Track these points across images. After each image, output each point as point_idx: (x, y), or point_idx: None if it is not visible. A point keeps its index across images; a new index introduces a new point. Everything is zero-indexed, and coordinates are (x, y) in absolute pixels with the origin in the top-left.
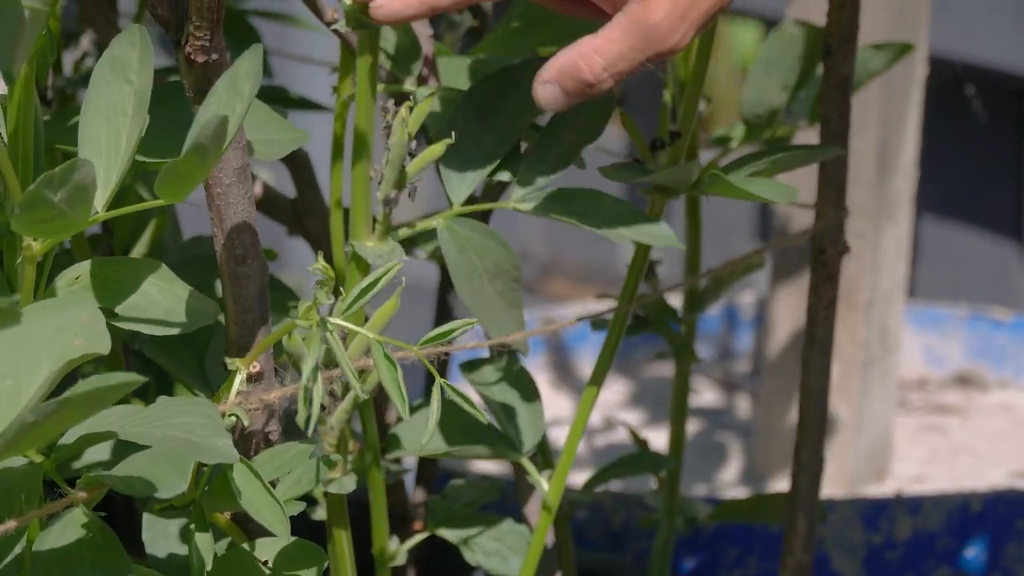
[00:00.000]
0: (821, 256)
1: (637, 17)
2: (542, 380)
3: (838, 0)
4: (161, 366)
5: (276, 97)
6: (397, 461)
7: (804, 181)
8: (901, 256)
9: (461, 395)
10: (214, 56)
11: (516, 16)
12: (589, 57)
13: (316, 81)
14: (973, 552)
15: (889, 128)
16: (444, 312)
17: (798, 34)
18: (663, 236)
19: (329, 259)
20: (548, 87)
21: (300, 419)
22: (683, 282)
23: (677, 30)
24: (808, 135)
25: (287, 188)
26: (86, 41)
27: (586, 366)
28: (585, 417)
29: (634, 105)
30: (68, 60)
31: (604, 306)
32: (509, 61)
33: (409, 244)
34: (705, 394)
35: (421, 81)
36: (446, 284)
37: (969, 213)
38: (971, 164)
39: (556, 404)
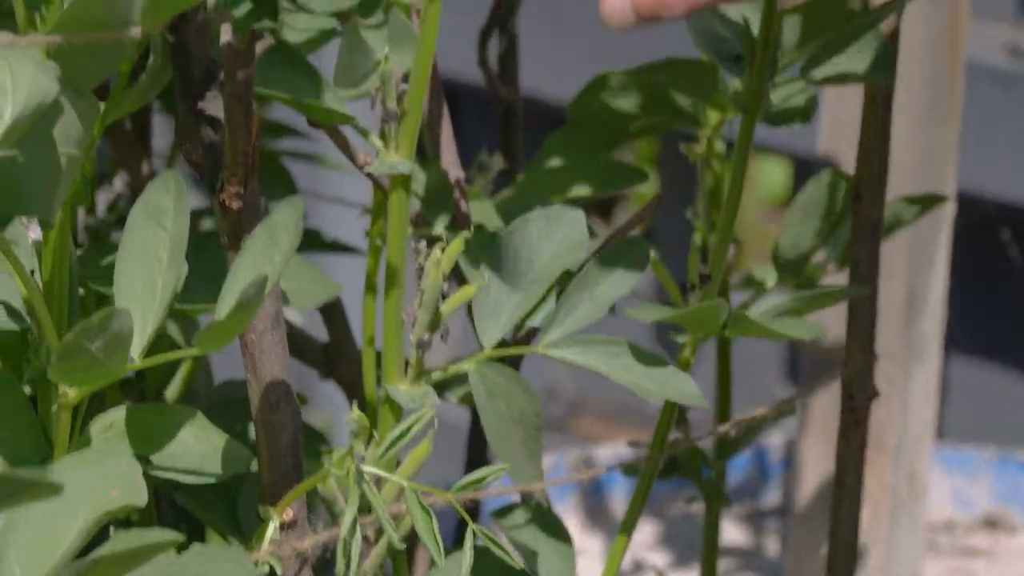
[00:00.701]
0: (850, 402)
1: None
2: (573, 522)
3: (868, 144)
4: (193, 513)
5: (309, 240)
6: None
7: (833, 321)
8: (929, 400)
9: (494, 541)
10: (249, 202)
11: (549, 156)
12: None
13: (348, 222)
14: None
15: (917, 271)
16: (475, 454)
17: (833, 182)
18: (690, 394)
19: (362, 404)
20: (617, 2)
21: (339, 572)
22: (714, 430)
23: None
24: (837, 278)
25: (314, 326)
26: (119, 182)
27: (617, 506)
28: (616, 566)
29: (664, 247)
30: (101, 200)
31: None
32: (539, 203)
33: (441, 387)
34: (732, 533)
35: (453, 224)
36: (476, 426)
37: (997, 353)
38: (997, 303)
39: (588, 545)
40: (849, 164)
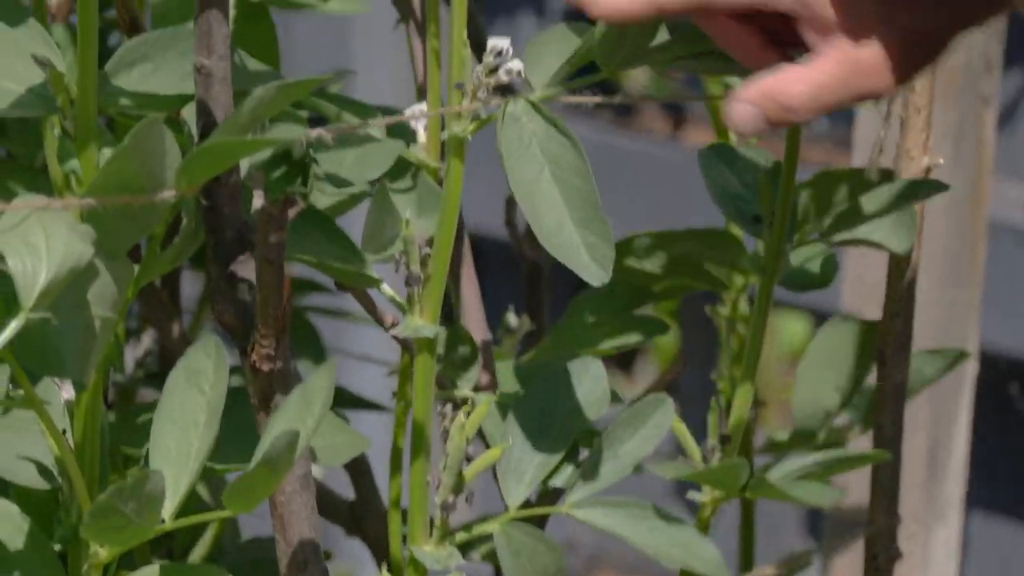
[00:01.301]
0: (874, 562)
1: (848, 53)
2: None
3: (892, 308)
4: None
5: (335, 397)
6: None
7: (855, 480)
8: (951, 557)
9: None
10: (279, 364)
11: (576, 316)
12: (794, 84)
13: (375, 378)
14: None
15: (940, 430)
16: None
17: (851, 331)
18: (712, 563)
19: (388, 564)
20: (746, 107)
21: None
22: None
23: (886, 75)
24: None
25: (335, 481)
26: (148, 339)
27: None
28: None
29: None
30: (129, 355)
31: None
32: (565, 364)
33: (465, 546)
34: None
35: (478, 386)
36: None
37: (1017, 510)
38: (1012, 459)
39: None
40: (870, 318)
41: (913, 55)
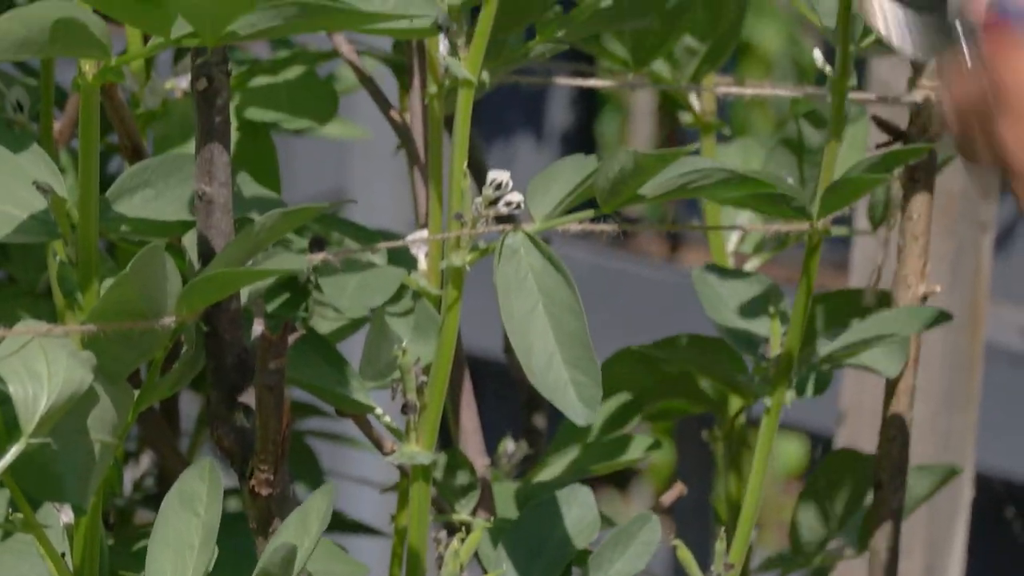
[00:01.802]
0: None
1: None
2: None
3: (888, 433)
4: None
5: (333, 521)
6: None
7: None
8: None
9: None
10: (278, 489)
11: (570, 438)
12: None
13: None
14: None
15: (935, 552)
16: None
17: (850, 461)
18: None
19: None
20: None
21: None
22: None
23: None
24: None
25: None
26: (146, 461)
27: None
28: None
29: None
30: (127, 477)
31: None
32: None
33: None
34: None
35: (475, 510)
36: None
37: None
38: None
39: None
40: (867, 442)
41: None
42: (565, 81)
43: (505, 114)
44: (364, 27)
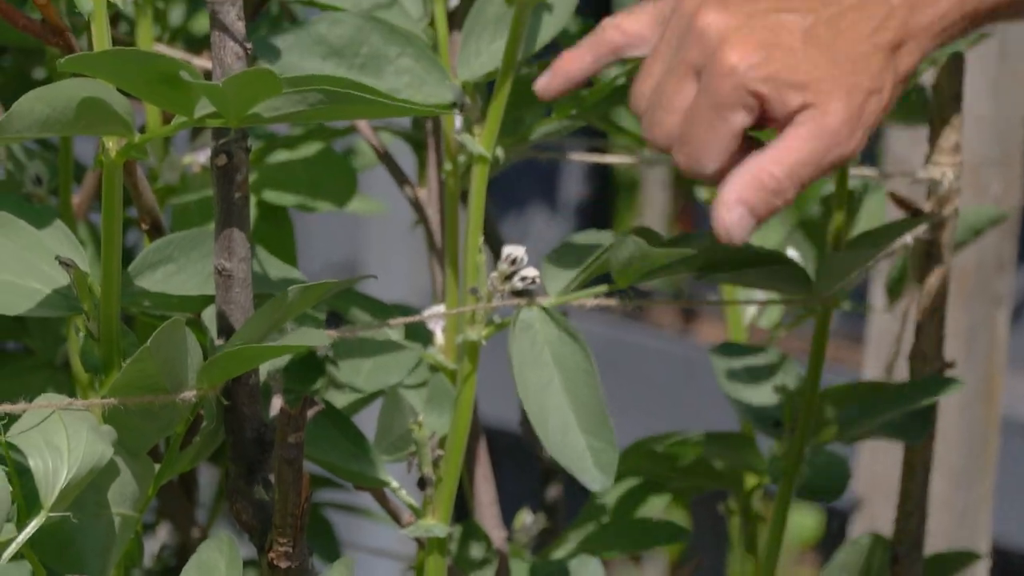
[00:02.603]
0: None
1: (815, 124)
2: None
3: (906, 507)
4: None
5: None
6: None
7: None
8: None
9: None
10: (296, 562)
11: (591, 515)
12: (768, 168)
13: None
14: None
15: None
16: None
17: (869, 544)
18: None
19: None
20: (734, 211)
21: None
22: None
23: (855, 133)
24: None
25: None
26: (164, 532)
27: None
28: None
29: None
30: (146, 550)
31: None
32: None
33: None
34: None
35: None
36: None
37: None
38: None
39: None
40: (883, 514)
41: (868, 106)
42: (580, 157)
43: (519, 186)
44: (387, 116)
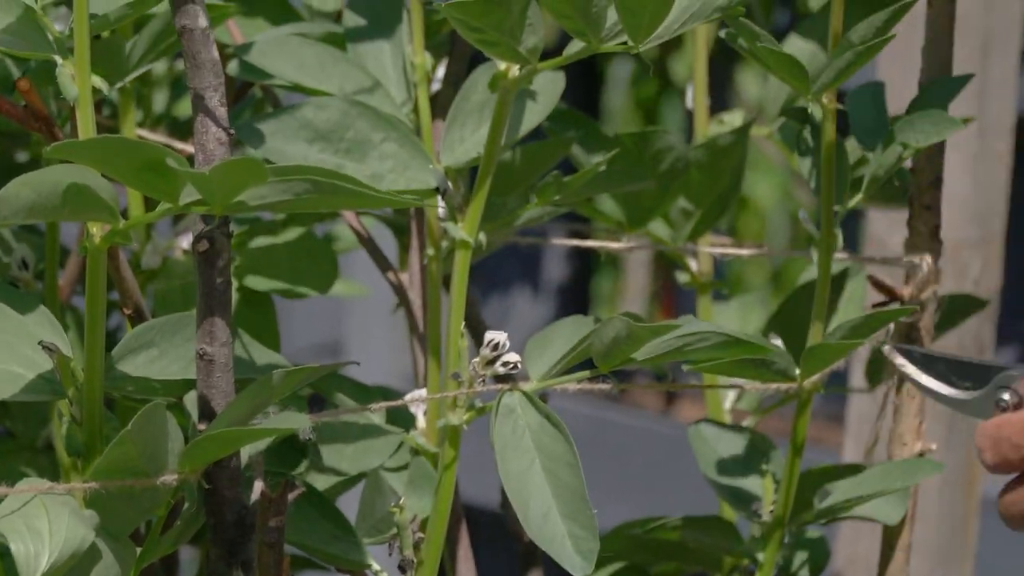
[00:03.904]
0: None
1: None
2: None
3: None
4: None
5: None
6: None
7: None
8: None
9: None
10: None
11: None
12: None
13: None
14: None
15: None
16: None
17: None
18: None
19: None
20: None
21: None
22: None
23: None
24: None
25: None
26: None
27: None
28: None
29: None
30: None
31: None
32: None
33: None
34: None
35: None
36: None
37: None
38: None
39: None
40: None
41: None
42: (561, 241)
43: (502, 269)
44: (372, 207)
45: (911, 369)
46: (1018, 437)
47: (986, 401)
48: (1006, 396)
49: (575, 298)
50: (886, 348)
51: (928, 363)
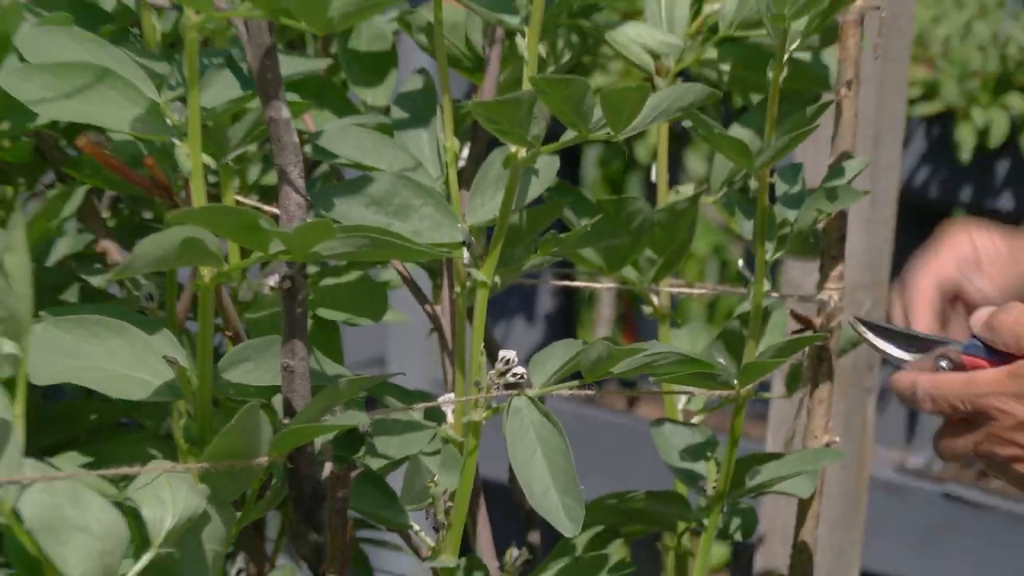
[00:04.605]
0: None
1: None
2: None
3: (798, 547)
4: None
5: None
6: None
7: None
8: None
9: None
10: None
11: (560, 552)
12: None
13: None
14: None
15: None
16: None
17: None
18: None
19: None
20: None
21: None
22: None
23: None
24: None
25: None
26: (240, 560)
27: None
28: None
29: None
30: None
31: None
32: None
33: None
34: None
35: None
36: None
37: None
38: None
39: None
40: (780, 551)
41: None
42: (555, 282)
43: (506, 302)
44: (414, 258)
45: (870, 336)
46: (954, 399)
47: (926, 363)
48: (943, 363)
49: (562, 324)
50: (850, 319)
51: (882, 332)
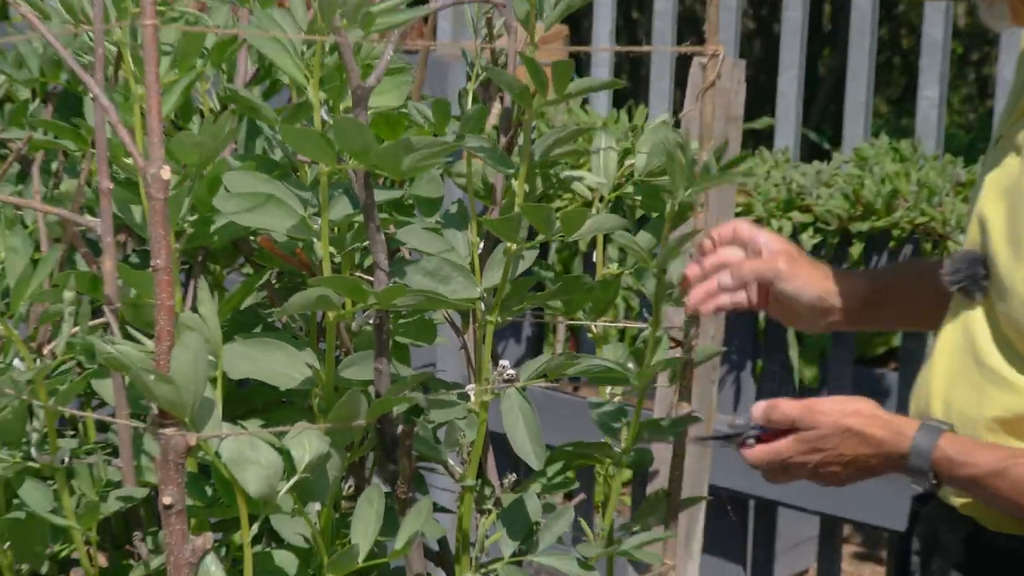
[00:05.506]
0: None
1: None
2: None
3: (673, 474)
4: None
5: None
6: None
7: None
8: None
9: None
10: (409, 494)
11: (534, 477)
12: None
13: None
14: None
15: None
16: None
17: (661, 494)
18: None
19: None
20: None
21: None
22: None
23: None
24: None
25: None
26: (350, 481)
27: None
28: None
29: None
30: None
31: None
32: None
33: None
34: None
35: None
36: None
37: None
38: None
39: None
40: (664, 475)
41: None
42: (533, 320)
43: (503, 331)
44: (451, 308)
45: (709, 440)
46: (773, 461)
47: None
48: (750, 440)
49: (536, 344)
50: (694, 438)
51: (715, 436)
